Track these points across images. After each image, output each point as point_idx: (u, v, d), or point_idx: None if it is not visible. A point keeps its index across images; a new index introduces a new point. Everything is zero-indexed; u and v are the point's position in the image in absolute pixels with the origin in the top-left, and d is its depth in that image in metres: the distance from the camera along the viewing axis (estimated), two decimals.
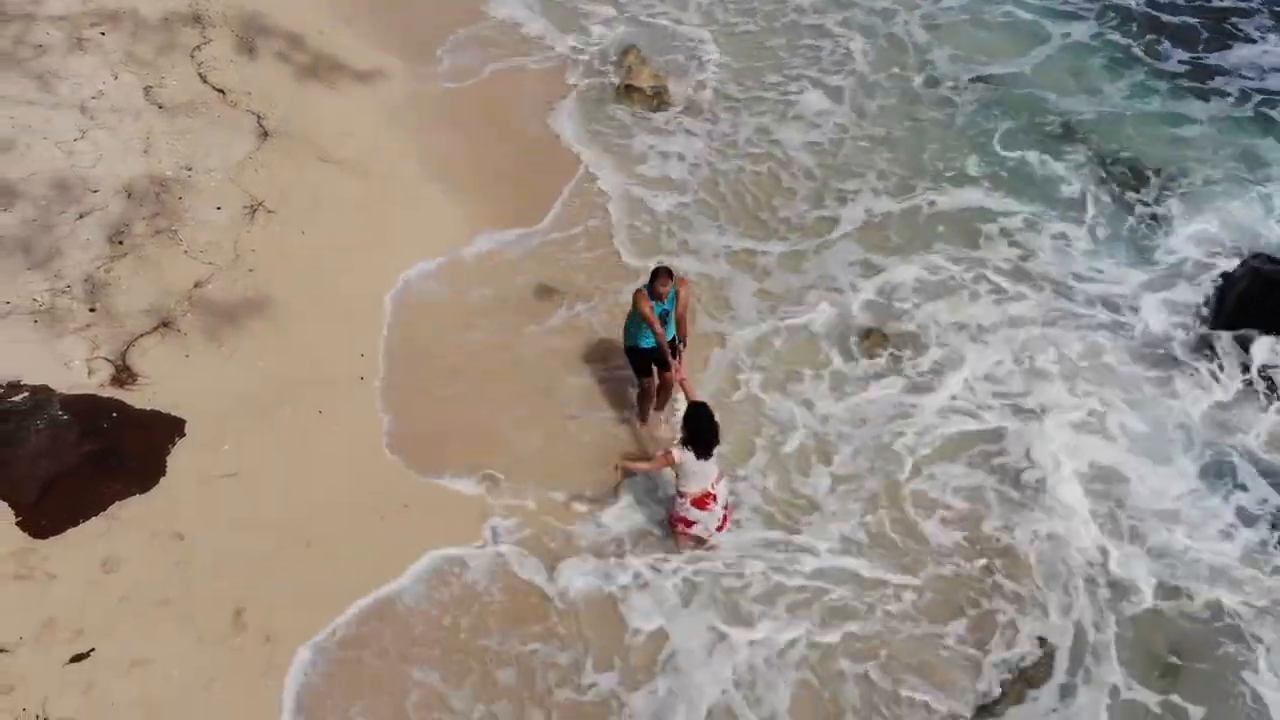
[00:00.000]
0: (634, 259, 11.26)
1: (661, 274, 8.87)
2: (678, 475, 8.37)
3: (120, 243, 10.50)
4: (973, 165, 12.74)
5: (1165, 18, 15.05)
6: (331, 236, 11.04)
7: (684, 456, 8.19)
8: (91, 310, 9.93)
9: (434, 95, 13.14)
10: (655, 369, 9.39)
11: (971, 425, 10.03)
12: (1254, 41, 14.74)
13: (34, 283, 10.02)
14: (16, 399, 9.08)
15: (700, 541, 8.82)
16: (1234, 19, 15.14)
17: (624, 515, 9.18)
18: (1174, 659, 8.48)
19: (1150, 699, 8.26)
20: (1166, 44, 14.60)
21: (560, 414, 9.89)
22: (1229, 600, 8.81)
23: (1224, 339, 10.64)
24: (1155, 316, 11.03)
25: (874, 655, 8.44)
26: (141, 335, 9.84)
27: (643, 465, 8.85)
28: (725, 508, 8.68)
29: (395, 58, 13.49)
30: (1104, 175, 12.62)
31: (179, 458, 9.03)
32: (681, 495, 8.44)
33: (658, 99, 13.31)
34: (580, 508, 9.20)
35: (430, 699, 8.00)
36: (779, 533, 9.16)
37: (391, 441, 9.49)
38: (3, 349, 9.43)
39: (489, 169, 12.25)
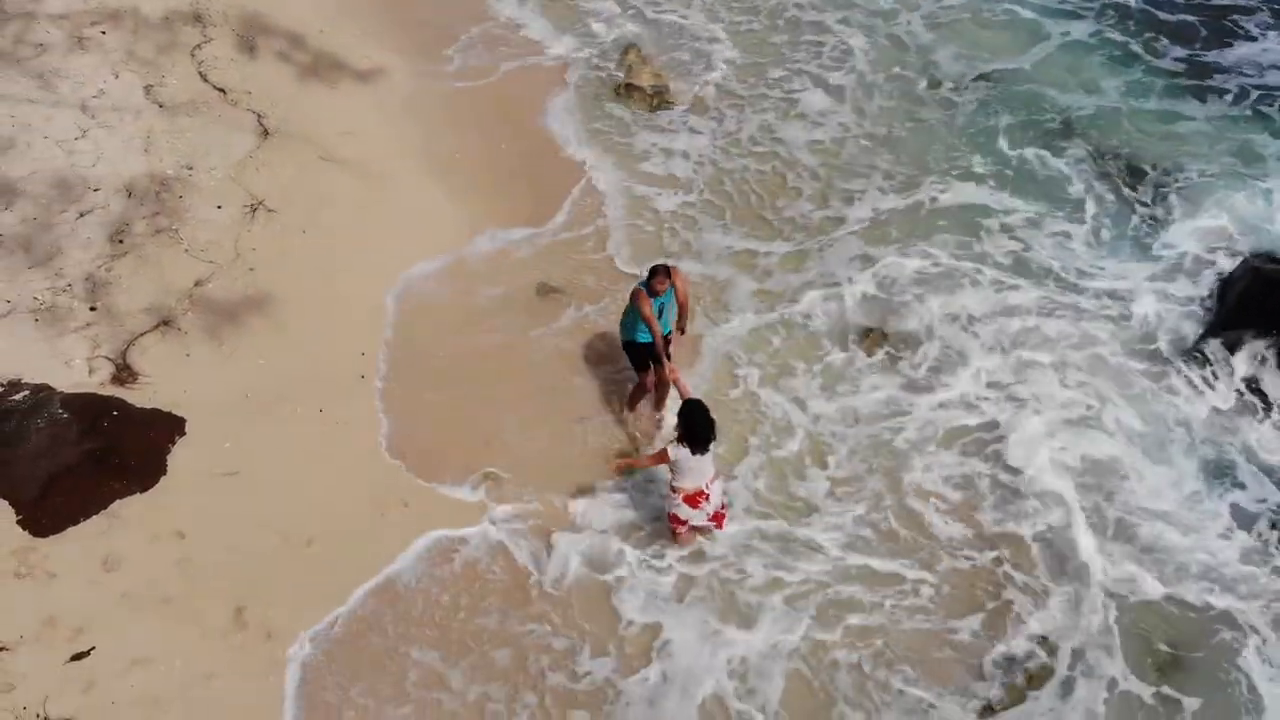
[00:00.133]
0: (628, 265, 11.25)
1: (659, 272, 8.92)
2: (672, 471, 8.40)
3: (121, 241, 10.52)
4: (974, 162, 12.74)
5: (1164, 15, 15.03)
6: (332, 235, 11.06)
7: (679, 453, 8.22)
8: (92, 309, 9.95)
9: (435, 94, 13.14)
10: (652, 364, 9.43)
11: (969, 422, 10.04)
12: (1254, 39, 14.71)
13: (35, 281, 10.03)
14: (17, 397, 9.10)
15: (698, 530, 8.84)
16: (1234, 16, 15.11)
17: (624, 512, 9.21)
18: (1172, 656, 8.49)
19: (1148, 695, 8.27)
20: (1165, 41, 14.57)
21: (561, 415, 9.91)
22: (1227, 597, 8.81)
23: (1213, 346, 10.62)
24: (1155, 313, 11.01)
25: (870, 649, 8.48)
26: (142, 334, 9.86)
27: (640, 462, 8.90)
28: (722, 507, 8.70)
29: (396, 56, 13.50)
30: (1104, 171, 12.62)
31: (179, 456, 9.05)
32: (674, 491, 8.47)
33: (658, 98, 13.31)
34: (579, 504, 9.22)
35: (429, 678, 8.12)
36: (777, 525, 9.20)
37: (392, 441, 9.51)
38: (3, 348, 9.46)
39: (490, 168, 12.26)
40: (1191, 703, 8.24)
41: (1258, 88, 13.87)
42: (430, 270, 10.98)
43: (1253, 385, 10.30)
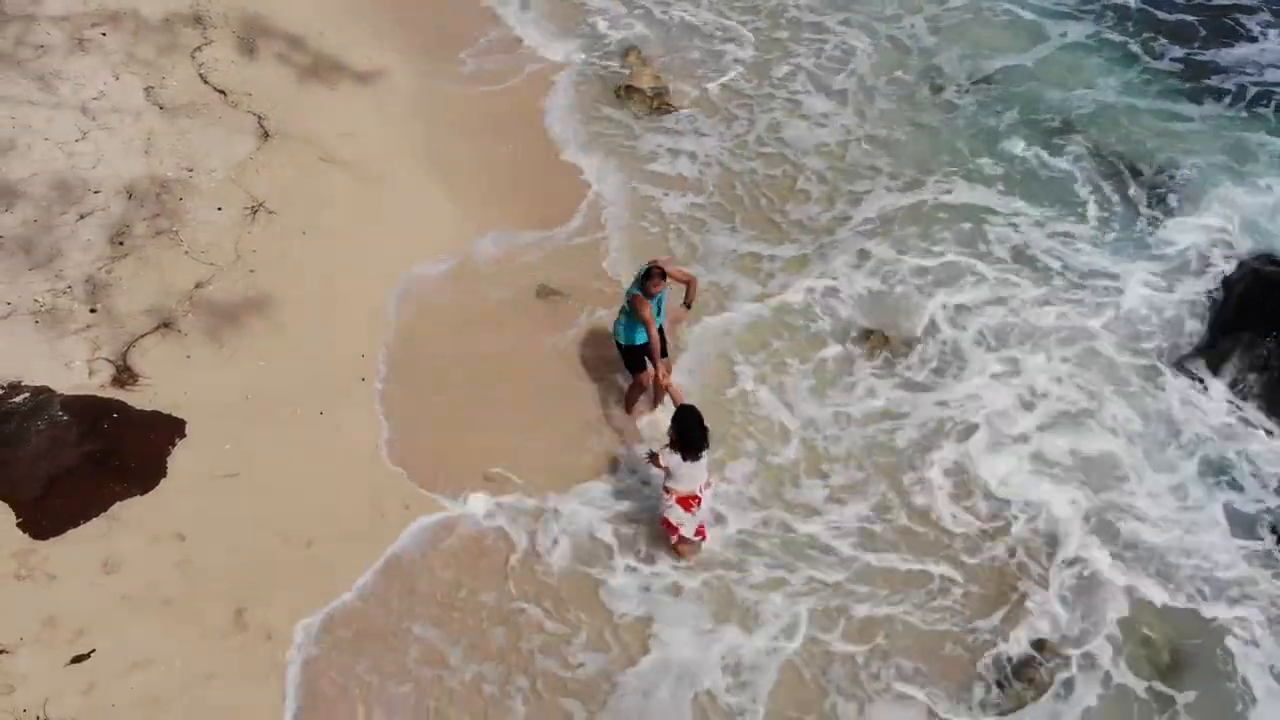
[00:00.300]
0: (629, 267, 11.13)
1: (655, 274, 8.94)
2: (666, 475, 8.42)
3: (121, 243, 10.52)
4: (975, 162, 12.78)
5: (1163, 15, 15.06)
6: (333, 237, 11.06)
7: (671, 459, 8.24)
8: (92, 311, 9.96)
9: (434, 96, 13.14)
10: (649, 363, 9.45)
11: (970, 422, 10.05)
12: (1254, 39, 14.73)
13: (35, 283, 10.04)
14: (17, 399, 9.10)
15: (686, 543, 8.84)
16: (1235, 14, 15.14)
17: (623, 508, 9.27)
18: (1172, 657, 8.51)
19: (1148, 696, 8.28)
20: (1165, 41, 14.61)
21: (562, 416, 9.93)
22: (1227, 599, 8.84)
23: (1213, 346, 10.63)
24: (1156, 313, 11.07)
25: (867, 646, 8.51)
26: (142, 336, 9.87)
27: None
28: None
29: (395, 58, 13.49)
30: (1105, 171, 12.65)
31: (180, 458, 9.05)
32: (668, 493, 8.49)
33: (658, 100, 13.31)
34: (578, 502, 9.27)
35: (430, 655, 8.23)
36: (776, 524, 9.23)
37: (392, 443, 9.51)
38: (4, 349, 9.45)
39: (489, 170, 12.27)
40: (1191, 704, 8.25)
41: (1256, 85, 13.89)
42: (430, 272, 10.98)
43: (1252, 386, 10.30)
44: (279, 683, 7.94)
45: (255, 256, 10.68)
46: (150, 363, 9.67)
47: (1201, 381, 10.41)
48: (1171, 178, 12.49)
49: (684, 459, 8.21)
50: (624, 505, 9.27)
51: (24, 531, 8.37)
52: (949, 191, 12.37)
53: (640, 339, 9.22)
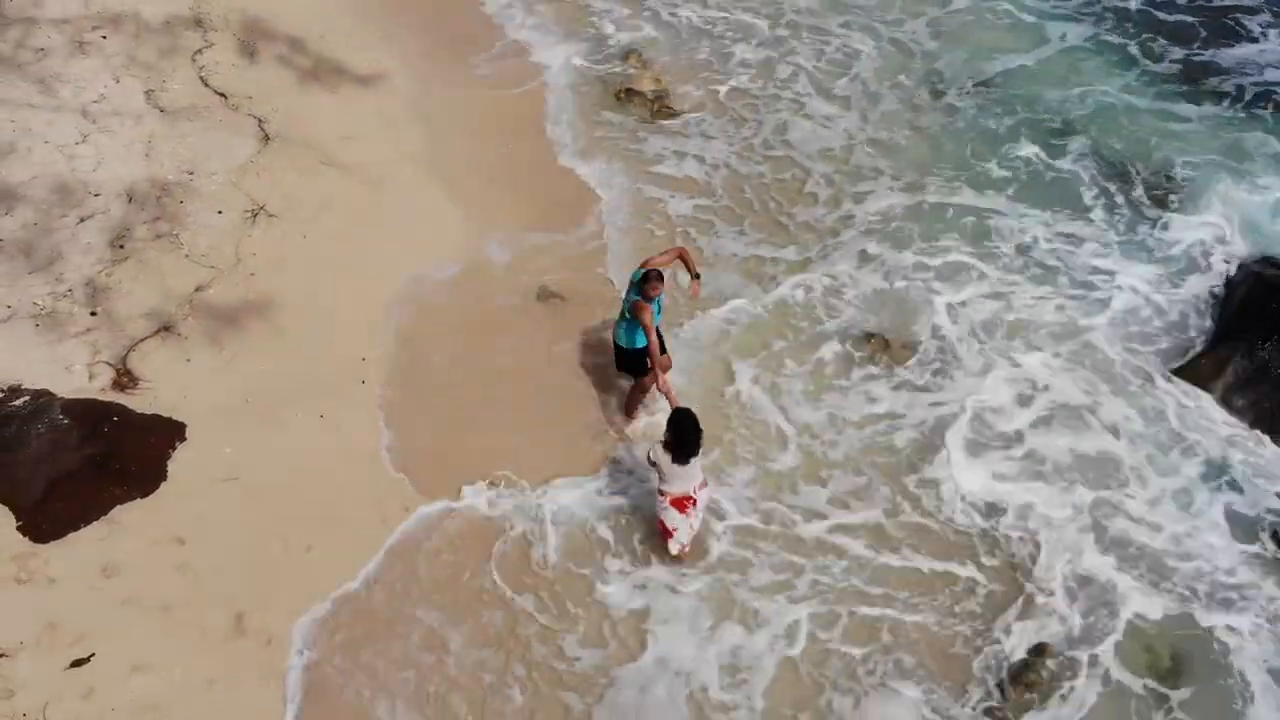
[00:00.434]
0: (630, 270, 11.19)
1: (652, 278, 8.94)
2: (660, 475, 8.43)
3: (121, 246, 10.53)
4: (977, 164, 12.78)
5: (1163, 16, 15.08)
6: (333, 240, 11.06)
7: (663, 460, 8.25)
8: (92, 314, 9.96)
9: (435, 99, 13.14)
10: (648, 363, 9.45)
11: (970, 420, 10.04)
12: (1254, 40, 14.73)
13: (35, 286, 10.04)
14: (17, 403, 9.11)
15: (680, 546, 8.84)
16: (1235, 15, 15.14)
17: (622, 508, 9.28)
18: (1172, 659, 8.50)
19: (1148, 698, 8.27)
20: (1165, 42, 14.63)
21: (562, 418, 9.92)
22: (1227, 601, 8.83)
23: (1213, 349, 10.62)
24: (1157, 313, 11.07)
25: (867, 647, 8.50)
26: (142, 339, 9.87)
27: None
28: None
29: (396, 61, 13.50)
30: (1106, 173, 12.66)
31: (180, 462, 9.05)
32: (661, 494, 8.50)
33: (658, 103, 13.31)
34: (578, 502, 9.28)
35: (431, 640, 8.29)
36: (776, 525, 9.23)
37: (392, 446, 9.51)
38: (4, 353, 9.46)
39: (490, 173, 12.27)
40: (1191, 705, 8.24)
41: (1256, 84, 13.89)
42: (430, 275, 10.98)
43: (1253, 390, 10.29)
44: (279, 687, 7.93)
45: (255, 260, 10.69)
46: (150, 366, 9.67)
47: (1203, 384, 10.39)
48: (1172, 178, 12.52)
49: (674, 461, 8.22)
50: (623, 506, 9.27)
51: (24, 535, 8.38)
52: (951, 193, 12.38)
53: (641, 342, 9.23)
